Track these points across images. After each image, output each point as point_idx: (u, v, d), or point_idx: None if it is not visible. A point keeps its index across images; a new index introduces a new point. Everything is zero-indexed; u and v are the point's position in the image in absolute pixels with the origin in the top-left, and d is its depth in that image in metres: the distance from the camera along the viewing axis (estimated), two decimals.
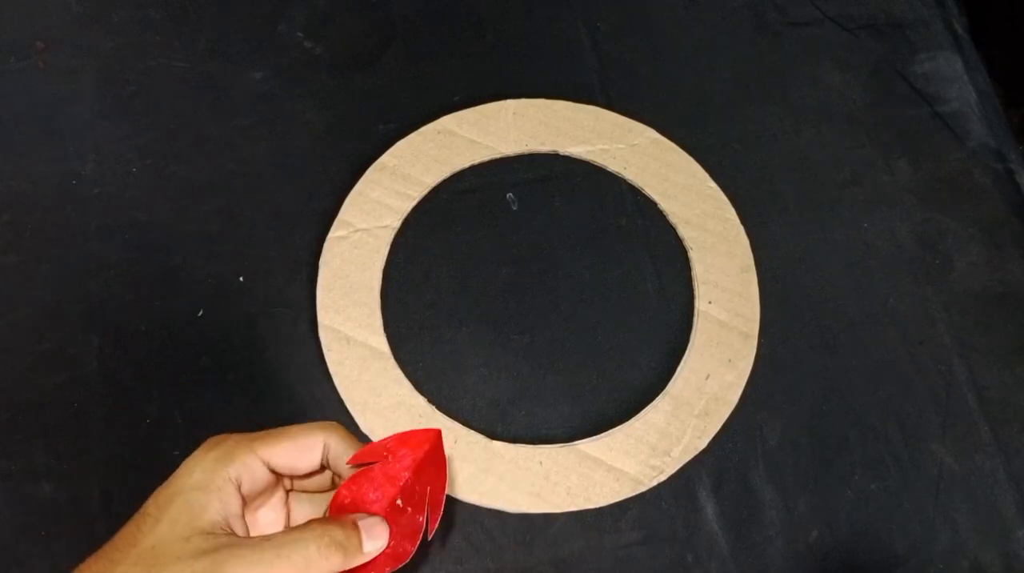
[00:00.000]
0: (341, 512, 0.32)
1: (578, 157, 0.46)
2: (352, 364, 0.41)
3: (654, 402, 0.41)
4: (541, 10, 0.50)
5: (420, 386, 0.41)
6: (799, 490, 0.41)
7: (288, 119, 0.47)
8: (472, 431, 0.40)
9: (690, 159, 0.46)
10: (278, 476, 0.33)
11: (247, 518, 0.32)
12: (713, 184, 0.46)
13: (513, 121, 0.46)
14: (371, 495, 0.32)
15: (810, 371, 0.43)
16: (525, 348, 0.43)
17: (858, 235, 0.46)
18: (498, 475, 0.39)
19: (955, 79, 0.50)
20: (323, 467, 0.33)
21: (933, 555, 0.40)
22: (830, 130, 0.48)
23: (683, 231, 0.45)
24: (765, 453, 0.41)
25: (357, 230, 0.44)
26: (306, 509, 0.34)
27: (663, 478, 0.40)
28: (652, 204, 0.46)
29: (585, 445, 0.40)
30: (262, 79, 0.47)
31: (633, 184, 0.46)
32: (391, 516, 0.32)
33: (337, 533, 0.30)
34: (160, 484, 0.37)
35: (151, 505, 0.30)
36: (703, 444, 0.40)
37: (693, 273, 0.44)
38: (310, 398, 0.41)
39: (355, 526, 0.31)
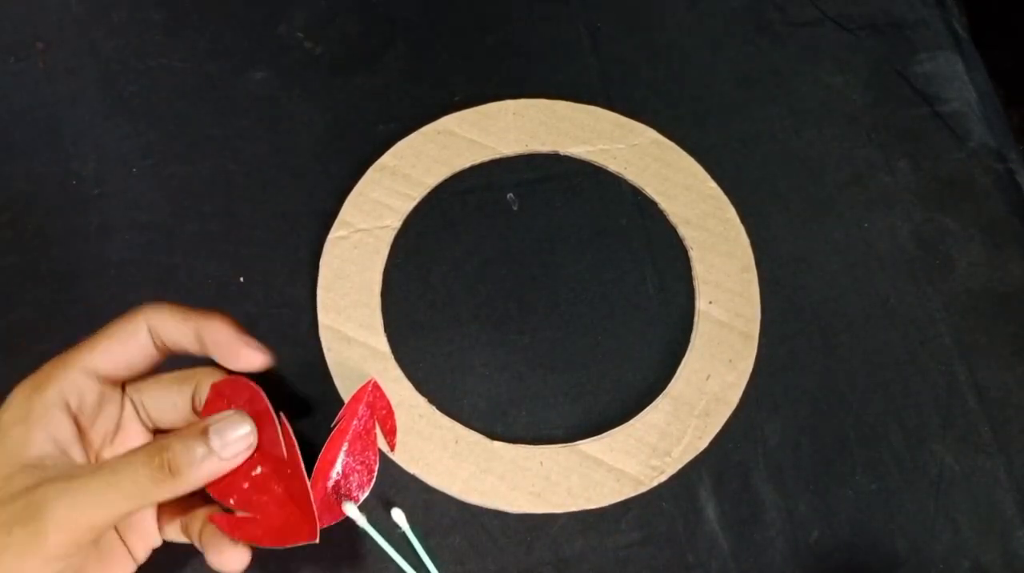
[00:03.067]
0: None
1: (578, 157, 0.46)
2: (352, 364, 0.41)
3: (654, 402, 0.41)
4: (541, 10, 0.50)
5: (420, 386, 0.41)
6: (799, 490, 0.41)
7: (288, 119, 0.47)
8: (472, 431, 0.40)
9: (690, 159, 0.46)
10: (120, 385, 0.29)
11: (107, 452, 0.29)
12: (713, 184, 0.46)
13: (513, 121, 0.46)
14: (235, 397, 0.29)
15: (810, 371, 0.43)
16: (525, 348, 0.43)
17: (858, 235, 0.46)
18: (498, 475, 0.39)
19: (955, 79, 0.50)
20: (163, 356, 0.30)
21: (933, 555, 0.40)
22: (830, 130, 0.48)
23: (683, 231, 0.45)
24: (766, 453, 0.41)
25: (357, 230, 0.44)
26: (162, 399, 0.31)
27: (663, 478, 0.40)
28: (652, 204, 0.46)
29: (585, 445, 0.40)
30: (262, 79, 0.47)
31: (633, 184, 0.46)
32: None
33: (175, 447, 0.26)
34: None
35: None
36: (703, 444, 0.40)
37: (693, 273, 0.44)
38: (310, 398, 0.41)
39: (200, 429, 0.27)
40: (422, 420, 0.40)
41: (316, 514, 0.29)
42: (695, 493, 0.40)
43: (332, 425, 0.37)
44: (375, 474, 0.36)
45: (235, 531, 0.29)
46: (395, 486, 0.39)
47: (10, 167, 0.44)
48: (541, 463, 0.40)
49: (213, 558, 0.29)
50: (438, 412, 0.40)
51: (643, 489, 0.40)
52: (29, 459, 0.26)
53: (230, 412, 0.28)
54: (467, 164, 0.45)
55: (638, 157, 0.46)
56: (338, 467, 0.36)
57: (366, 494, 0.36)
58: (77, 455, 0.27)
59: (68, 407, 0.28)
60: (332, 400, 0.40)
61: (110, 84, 0.47)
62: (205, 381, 0.30)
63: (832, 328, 0.44)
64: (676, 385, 0.42)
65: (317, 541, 0.29)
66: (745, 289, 0.44)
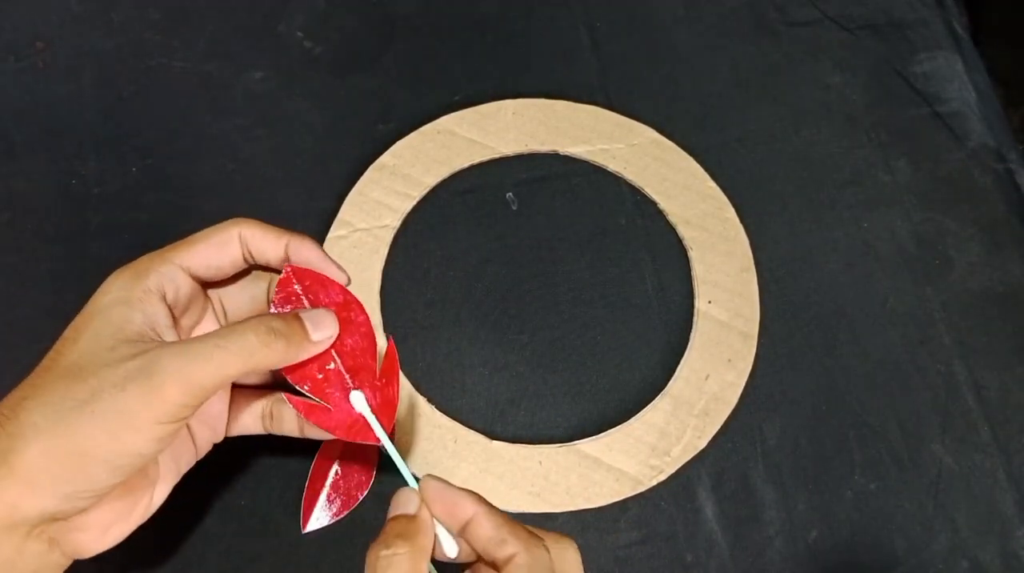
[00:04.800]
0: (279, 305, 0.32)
1: (578, 157, 0.46)
2: None
3: (654, 402, 0.41)
4: (541, 10, 0.50)
5: (420, 386, 0.41)
6: (799, 490, 0.41)
7: (288, 119, 0.47)
8: (471, 431, 0.40)
9: (690, 159, 0.46)
10: (204, 285, 0.32)
11: (182, 338, 0.30)
12: (713, 184, 0.46)
13: (513, 121, 0.46)
14: (317, 295, 0.32)
15: (810, 371, 0.43)
16: (525, 348, 0.43)
17: (858, 235, 0.46)
18: (497, 475, 0.39)
19: (955, 79, 0.50)
20: (249, 267, 0.32)
21: (933, 555, 0.40)
22: (830, 130, 0.48)
23: (683, 231, 0.45)
24: (765, 453, 0.41)
25: (357, 230, 0.44)
26: (238, 297, 0.34)
27: (663, 478, 0.40)
28: (652, 204, 0.46)
29: (585, 445, 0.40)
30: (262, 79, 0.47)
31: (633, 184, 0.46)
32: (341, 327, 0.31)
33: (277, 322, 0.29)
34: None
35: (69, 330, 0.29)
36: (703, 444, 0.40)
37: (693, 273, 0.44)
38: None
39: (297, 317, 0.30)
40: (421, 419, 0.40)
41: (391, 419, 0.32)
42: (694, 493, 0.40)
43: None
44: (374, 473, 0.36)
45: (307, 412, 0.31)
46: (394, 485, 0.39)
47: (10, 167, 0.44)
48: (540, 462, 0.40)
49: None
50: (437, 411, 0.40)
51: (642, 489, 0.40)
52: (130, 335, 0.28)
53: (323, 311, 0.31)
54: (466, 164, 0.45)
55: (637, 157, 0.46)
56: (336, 466, 0.36)
57: (365, 493, 0.36)
58: (170, 338, 0.29)
59: (164, 296, 0.29)
60: None
61: (110, 84, 0.47)
62: (246, 228, 0.32)
63: (831, 328, 0.44)
64: (675, 385, 0.42)
65: (380, 445, 0.31)
66: (744, 289, 0.44)
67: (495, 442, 0.40)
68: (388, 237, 0.44)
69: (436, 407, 0.40)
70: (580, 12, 0.50)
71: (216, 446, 0.35)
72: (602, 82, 0.48)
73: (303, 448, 0.40)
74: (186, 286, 0.31)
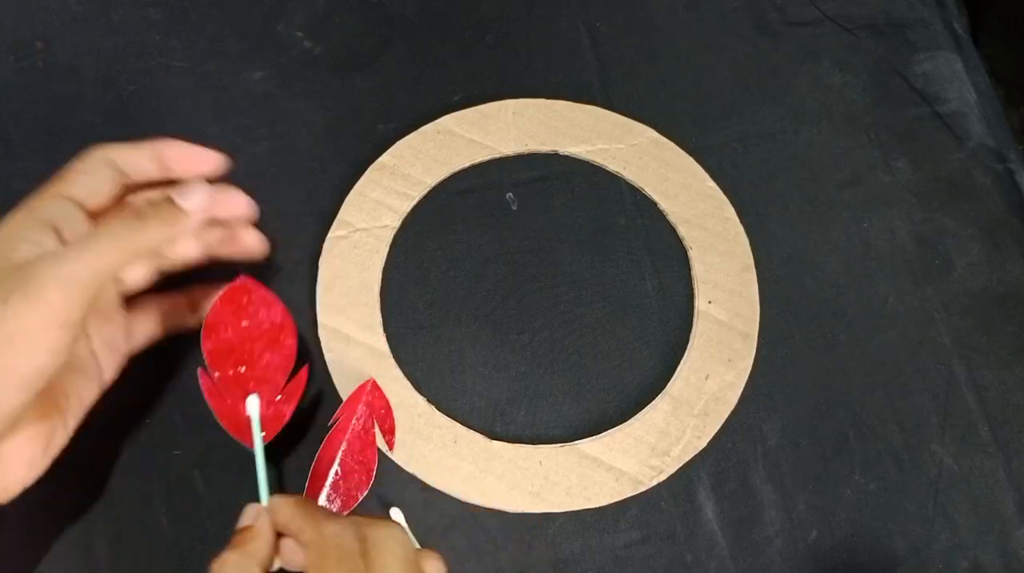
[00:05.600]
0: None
1: (578, 157, 0.46)
2: (352, 364, 0.41)
3: (653, 402, 0.41)
4: (541, 10, 0.50)
5: (420, 386, 0.41)
6: (799, 490, 0.41)
7: (288, 119, 0.47)
8: (471, 431, 0.40)
9: (690, 159, 0.46)
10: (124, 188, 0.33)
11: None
12: (713, 184, 0.46)
13: (513, 121, 0.46)
14: (257, 311, 0.38)
15: (810, 371, 0.43)
16: (525, 348, 0.43)
17: (858, 235, 0.46)
18: (497, 475, 0.39)
19: (955, 79, 0.50)
20: (127, 190, 0.34)
21: (933, 555, 0.40)
22: (830, 130, 0.48)
23: (683, 231, 0.45)
24: (765, 453, 0.41)
25: (357, 230, 0.44)
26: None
27: (663, 478, 0.40)
28: (652, 204, 0.46)
29: (585, 445, 0.40)
30: (262, 79, 0.47)
31: (633, 184, 0.46)
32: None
33: (142, 207, 0.31)
34: (161, 484, 0.38)
35: None
36: (703, 444, 0.40)
37: (693, 273, 0.44)
38: (309, 397, 0.41)
39: (164, 195, 0.31)
40: (421, 419, 0.40)
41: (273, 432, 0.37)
42: (694, 492, 0.40)
43: (330, 423, 0.37)
44: (374, 473, 0.36)
45: (208, 392, 0.36)
46: (394, 485, 0.39)
47: (10, 167, 0.44)
48: (540, 463, 0.40)
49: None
50: (437, 412, 0.40)
51: (642, 489, 0.40)
52: (17, 260, 0.28)
53: (192, 182, 0.32)
54: (466, 163, 0.45)
55: (637, 157, 0.46)
56: (336, 466, 0.36)
57: (365, 493, 0.36)
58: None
59: (55, 228, 0.30)
60: (331, 399, 0.40)
61: (110, 84, 0.47)
62: (113, 151, 0.33)
63: (831, 328, 0.44)
64: (675, 384, 0.42)
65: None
66: (744, 289, 0.44)
67: (495, 442, 0.40)
68: (388, 237, 0.44)
69: (436, 407, 0.40)
70: (580, 12, 0.50)
71: (217, 449, 0.35)
72: (602, 82, 0.48)
73: (305, 450, 0.40)
74: (74, 217, 0.31)
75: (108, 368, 0.34)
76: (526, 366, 0.42)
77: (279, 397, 0.37)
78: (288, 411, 0.37)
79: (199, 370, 0.36)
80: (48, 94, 0.46)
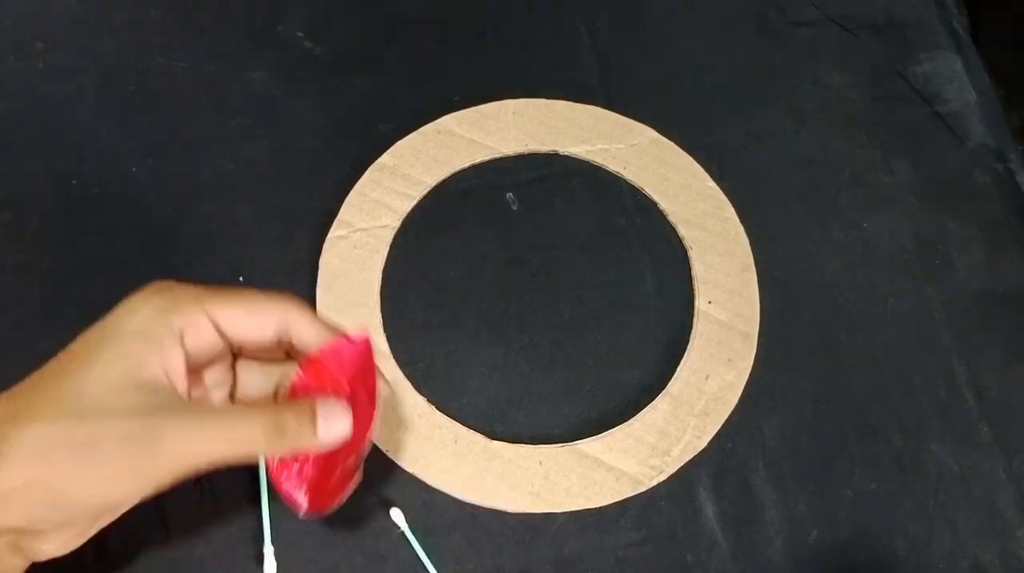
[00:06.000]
0: (295, 396, 0.29)
1: (578, 157, 0.46)
2: None
3: (653, 402, 0.41)
4: (541, 10, 0.50)
5: (420, 386, 0.41)
6: (799, 490, 0.41)
7: (288, 119, 0.47)
8: (472, 431, 0.40)
9: (690, 159, 0.46)
10: (225, 341, 0.29)
11: (189, 379, 0.29)
12: (713, 184, 0.46)
13: (513, 121, 0.46)
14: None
15: (810, 371, 0.43)
16: (525, 348, 0.43)
17: (858, 235, 0.46)
18: (497, 475, 0.39)
19: (955, 79, 0.50)
20: (284, 351, 0.30)
21: (933, 555, 0.40)
22: (830, 130, 0.48)
23: (683, 231, 0.45)
24: (765, 453, 0.41)
25: (357, 230, 0.44)
26: (256, 379, 0.32)
27: (663, 478, 0.40)
28: (652, 204, 0.46)
29: (585, 445, 0.40)
30: (262, 79, 0.47)
31: (633, 184, 0.46)
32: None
33: (290, 420, 0.27)
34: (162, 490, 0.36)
35: (79, 347, 0.26)
36: (703, 444, 0.40)
37: (693, 273, 0.44)
38: None
39: (312, 411, 0.28)
40: (421, 419, 0.40)
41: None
42: (694, 493, 0.40)
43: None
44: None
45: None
46: (394, 486, 0.39)
47: (10, 167, 0.44)
48: (540, 463, 0.40)
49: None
50: (437, 412, 0.40)
51: (642, 489, 0.40)
52: (144, 378, 0.26)
53: (338, 403, 0.29)
54: (466, 164, 0.45)
55: (637, 157, 0.46)
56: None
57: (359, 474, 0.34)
58: (180, 388, 0.27)
59: (184, 341, 0.27)
60: None
61: (110, 84, 0.47)
62: (296, 317, 0.29)
63: (831, 328, 0.44)
64: (675, 385, 0.42)
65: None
66: (744, 289, 0.44)
67: (495, 442, 0.40)
68: (388, 237, 0.44)
69: (436, 407, 0.40)
70: (580, 12, 0.50)
71: None
72: (602, 82, 0.48)
73: None
74: (209, 340, 0.28)
75: None
76: (526, 366, 0.42)
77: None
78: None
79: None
80: (48, 94, 0.46)
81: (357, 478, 0.32)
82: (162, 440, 0.25)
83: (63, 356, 0.27)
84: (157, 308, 0.27)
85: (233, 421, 0.27)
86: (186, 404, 0.27)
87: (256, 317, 0.29)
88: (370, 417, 0.30)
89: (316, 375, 0.30)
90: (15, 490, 0.24)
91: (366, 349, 0.31)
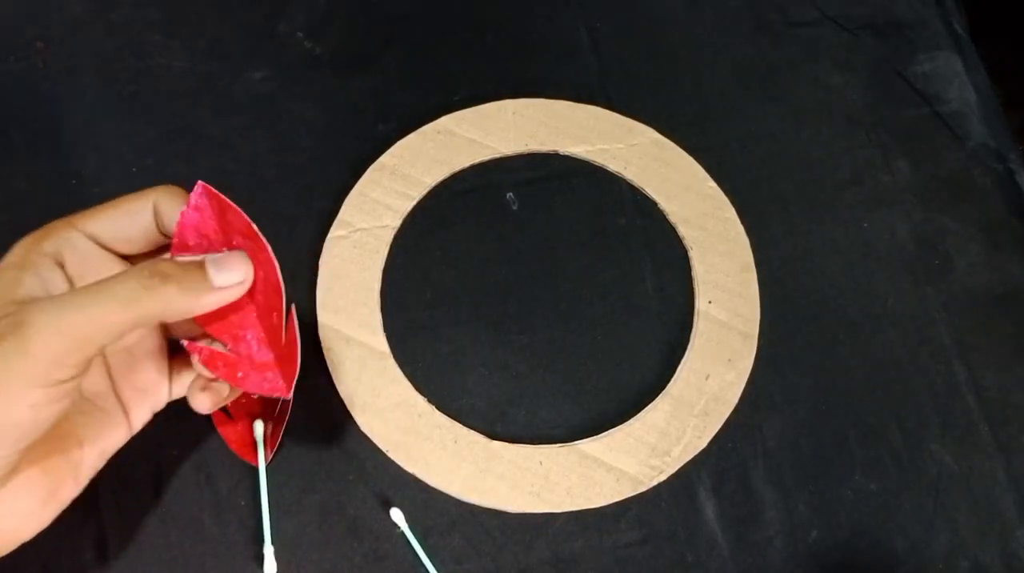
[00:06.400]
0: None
1: (578, 157, 0.46)
2: (352, 364, 0.41)
3: (654, 402, 0.41)
4: (541, 10, 0.50)
5: (419, 386, 0.41)
6: (799, 490, 0.41)
7: (288, 119, 0.47)
8: (472, 431, 0.40)
9: (690, 159, 0.46)
10: (117, 255, 0.29)
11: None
12: (713, 184, 0.46)
13: (513, 121, 0.46)
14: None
15: (810, 371, 0.43)
16: (525, 348, 0.43)
17: (858, 235, 0.46)
18: (498, 475, 0.39)
19: (955, 79, 0.50)
20: (166, 237, 0.29)
21: (933, 555, 0.40)
22: (830, 130, 0.48)
23: (683, 231, 0.45)
24: (765, 453, 0.41)
25: (357, 230, 0.44)
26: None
27: (663, 478, 0.40)
28: (652, 204, 0.46)
29: (585, 445, 0.40)
30: (262, 79, 0.47)
31: (633, 184, 0.46)
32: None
33: (167, 265, 0.26)
34: (155, 484, 0.37)
35: None
36: (703, 444, 0.40)
37: (693, 273, 0.44)
38: (309, 397, 0.41)
39: (198, 264, 0.27)
40: (421, 420, 0.40)
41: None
42: (694, 493, 0.40)
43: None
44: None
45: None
46: (394, 485, 0.39)
47: (10, 167, 0.44)
48: (540, 463, 0.40)
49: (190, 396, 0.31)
50: (437, 412, 0.40)
51: (642, 489, 0.40)
52: (17, 297, 0.26)
53: (234, 253, 0.27)
54: (466, 164, 0.45)
55: (638, 157, 0.46)
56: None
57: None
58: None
59: (63, 263, 0.28)
60: (332, 399, 0.40)
61: (110, 84, 0.47)
62: (164, 198, 0.29)
63: (831, 328, 0.44)
64: (675, 385, 0.42)
65: (290, 397, 0.30)
66: (744, 289, 0.44)
67: (495, 442, 0.40)
68: (388, 237, 0.44)
69: (436, 407, 0.40)
70: (580, 12, 0.50)
71: (214, 451, 0.34)
72: (602, 82, 0.48)
73: (303, 451, 0.40)
74: (93, 256, 0.28)
75: (138, 417, 0.31)
76: (526, 366, 0.42)
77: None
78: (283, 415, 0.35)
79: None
80: (48, 94, 0.46)
81: (295, 325, 0.29)
82: (30, 325, 0.23)
83: None
84: (31, 239, 0.28)
85: (106, 282, 0.25)
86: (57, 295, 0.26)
87: (129, 215, 0.29)
88: (264, 250, 0.28)
89: (184, 246, 0.28)
90: None
91: (210, 195, 0.29)
